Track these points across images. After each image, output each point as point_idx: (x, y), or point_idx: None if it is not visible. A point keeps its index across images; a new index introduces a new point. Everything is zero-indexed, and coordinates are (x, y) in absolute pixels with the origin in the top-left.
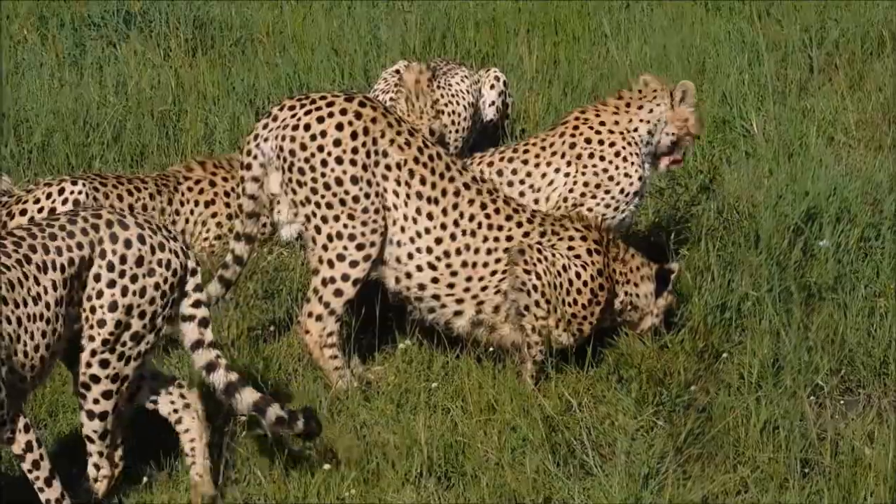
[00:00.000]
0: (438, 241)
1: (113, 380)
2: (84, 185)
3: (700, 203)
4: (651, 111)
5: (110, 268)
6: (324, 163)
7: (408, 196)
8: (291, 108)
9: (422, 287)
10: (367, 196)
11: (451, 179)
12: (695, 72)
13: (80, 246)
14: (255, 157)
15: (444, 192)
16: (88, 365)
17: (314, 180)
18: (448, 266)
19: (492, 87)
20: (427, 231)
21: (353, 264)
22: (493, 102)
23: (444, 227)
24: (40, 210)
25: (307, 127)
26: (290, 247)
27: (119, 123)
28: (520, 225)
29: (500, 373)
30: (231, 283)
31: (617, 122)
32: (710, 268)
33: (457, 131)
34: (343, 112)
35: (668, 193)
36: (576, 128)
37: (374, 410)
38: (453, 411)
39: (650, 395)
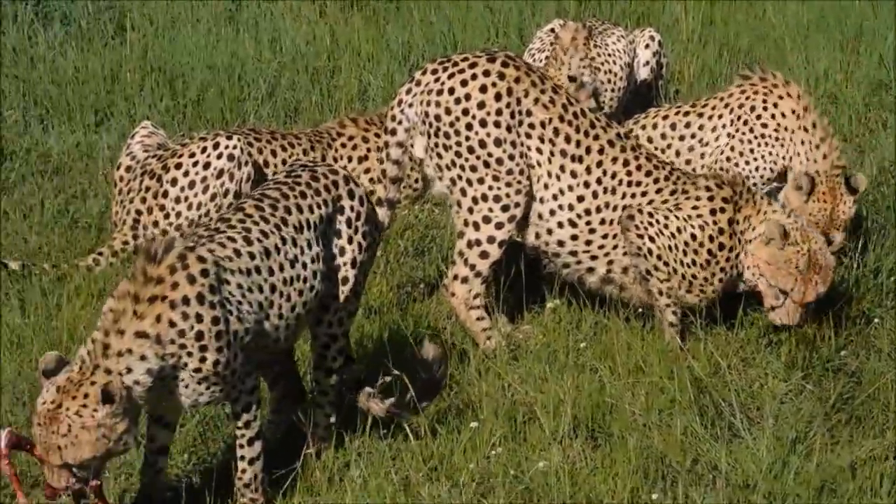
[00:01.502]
0: (581, 198)
1: (345, 335)
2: (239, 139)
3: (854, 168)
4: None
5: (349, 224)
6: (468, 126)
7: (552, 154)
8: (434, 71)
9: (560, 243)
10: (511, 157)
11: (596, 137)
12: (851, 35)
13: (325, 203)
14: (400, 123)
15: (588, 150)
16: (330, 325)
17: (459, 144)
18: (588, 224)
19: (646, 46)
20: (570, 188)
21: (499, 226)
22: (647, 62)
23: (586, 184)
24: (195, 164)
25: (451, 91)
26: (441, 205)
27: (273, 79)
28: (657, 182)
29: (649, 333)
30: None
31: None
32: (868, 233)
33: (612, 90)
34: (486, 74)
35: None
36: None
37: (522, 370)
38: (601, 371)
39: (800, 359)
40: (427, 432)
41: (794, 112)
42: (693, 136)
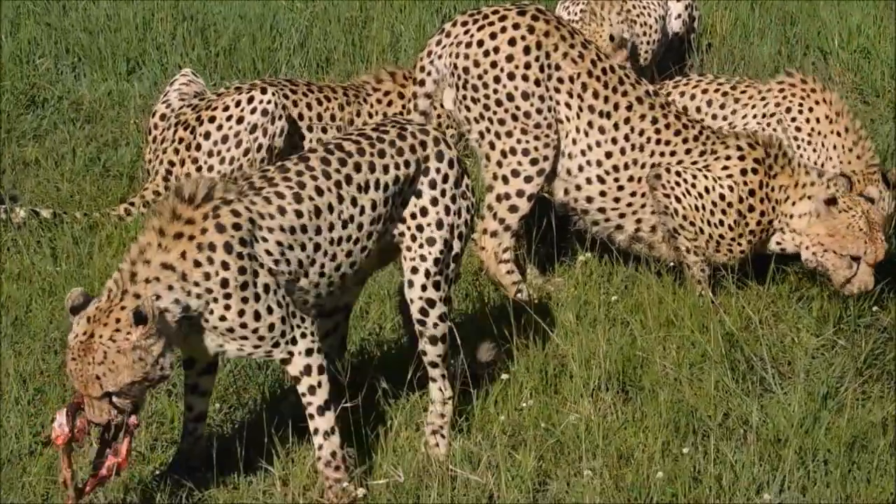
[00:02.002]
0: (608, 154)
1: (445, 301)
2: (274, 93)
3: (887, 122)
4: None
5: (432, 185)
6: (496, 79)
7: (580, 109)
8: (464, 24)
9: (589, 200)
10: (539, 111)
11: (624, 93)
12: None
13: (407, 163)
14: (429, 74)
15: (616, 106)
16: (423, 288)
17: (487, 97)
18: (616, 180)
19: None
20: (598, 144)
21: (528, 179)
22: (679, 15)
23: (614, 140)
24: (229, 118)
25: (480, 43)
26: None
27: (305, 29)
28: (686, 141)
29: (680, 287)
30: None
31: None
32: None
33: (647, 43)
34: (516, 27)
35: (854, 111)
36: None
37: (554, 322)
38: (632, 325)
39: (831, 314)
40: (458, 384)
41: (827, 117)
42: (724, 119)
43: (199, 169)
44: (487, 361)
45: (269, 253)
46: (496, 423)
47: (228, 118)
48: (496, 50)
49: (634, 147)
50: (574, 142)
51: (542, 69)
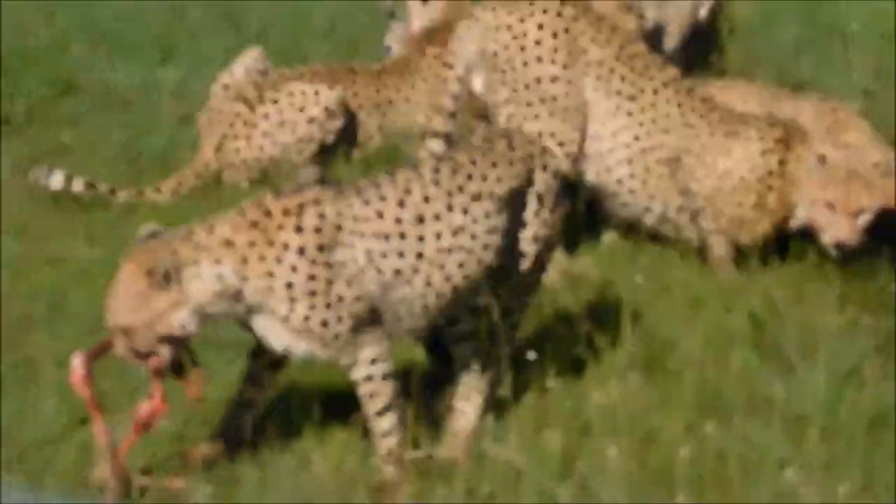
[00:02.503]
0: (637, 137)
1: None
2: (339, 91)
3: None
4: None
5: (539, 199)
6: (524, 63)
7: (607, 92)
8: (494, 8)
9: (619, 182)
10: (566, 94)
11: (651, 78)
12: None
13: (517, 175)
14: (461, 57)
15: (642, 90)
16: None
17: (515, 80)
18: (644, 163)
19: None
20: (626, 127)
21: None
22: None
23: (641, 124)
24: (291, 104)
25: (508, 27)
26: None
27: (333, 16)
28: (710, 124)
29: (706, 269)
30: None
31: None
32: None
33: (679, 25)
34: (544, 11)
35: (875, 96)
36: None
37: (580, 302)
38: (658, 306)
39: (854, 293)
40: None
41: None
42: None
43: (250, 147)
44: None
45: (354, 260)
46: (522, 405)
47: (291, 104)
48: (524, 34)
49: (661, 130)
50: (603, 125)
51: (569, 53)
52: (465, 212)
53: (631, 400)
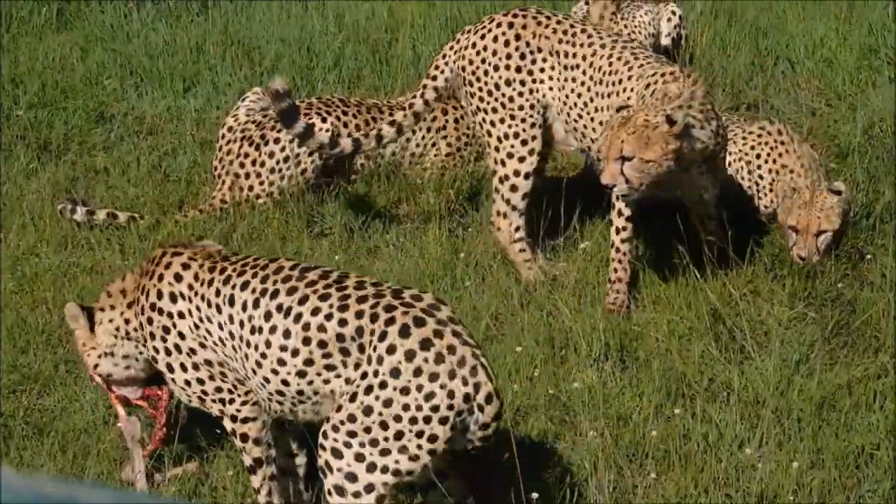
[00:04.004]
0: (591, 98)
1: None
2: (332, 122)
3: (847, 122)
4: None
5: None
6: (485, 72)
7: (559, 72)
8: (468, 31)
9: (594, 140)
10: (521, 94)
11: (590, 45)
12: (845, 5)
13: None
14: (442, 72)
15: (583, 58)
16: None
17: (480, 89)
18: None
19: (668, 20)
20: (579, 95)
21: (521, 160)
22: (668, 34)
23: (586, 86)
24: (291, 140)
25: (474, 45)
26: (481, 159)
27: (338, 50)
28: (630, 70)
29: (670, 272)
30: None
31: None
32: (858, 180)
33: None
34: (499, 25)
35: (819, 113)
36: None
37: (559, 301)
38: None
39: (801, 290)
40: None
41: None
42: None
43: (261, 183)
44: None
45: (204, 321)
46: (510, 390)
47: (291, 140)
48: (484, 48)
49: (606, 84)
50: (565, 98)
51: (521, 56)
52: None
53: (606, 386)
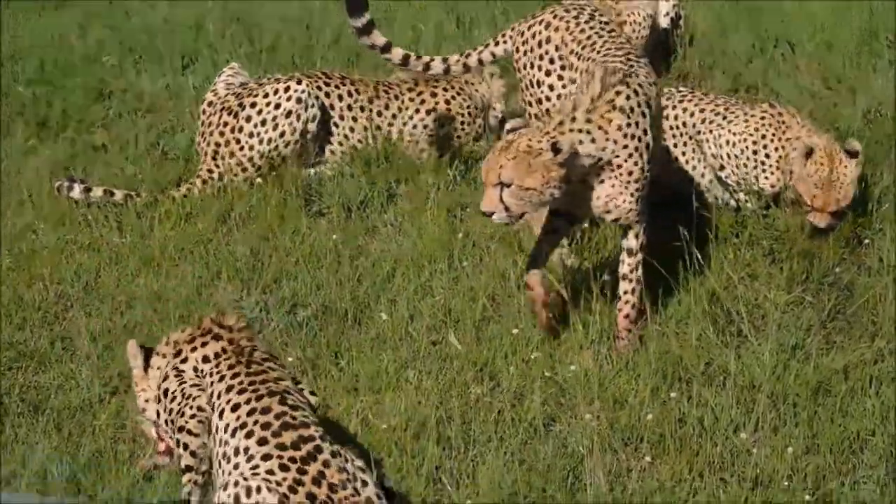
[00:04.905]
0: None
1: None
2: (308, 84)
3: (847, 105)
4: None
5: None
6: (529, 65)
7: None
8: (526, 18)
9: None
10: (552, 98)
11: (589, 44)
12: None
13: None
14: (497, 46)
15: (579, 57)
16: None
17: (522, 80)
18: None
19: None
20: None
21: None
22: (667, 13)
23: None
24: (268, 104)
25: (521, 34)
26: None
27: (338, 28)
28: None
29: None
30: None
31: None
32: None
33: (636, 38)
34: (541, 22)
35: (819, 96)
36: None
37: (555, 283)
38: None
39: (799, 274)
40: (474, 338)
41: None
42: (710, 132)
43: (241, 148)
44: None
45: None
46: (506, 373)
47: (267, 104)
48: (525, 42)
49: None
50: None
51: (551, 61)
52: None
53: (602, 369)
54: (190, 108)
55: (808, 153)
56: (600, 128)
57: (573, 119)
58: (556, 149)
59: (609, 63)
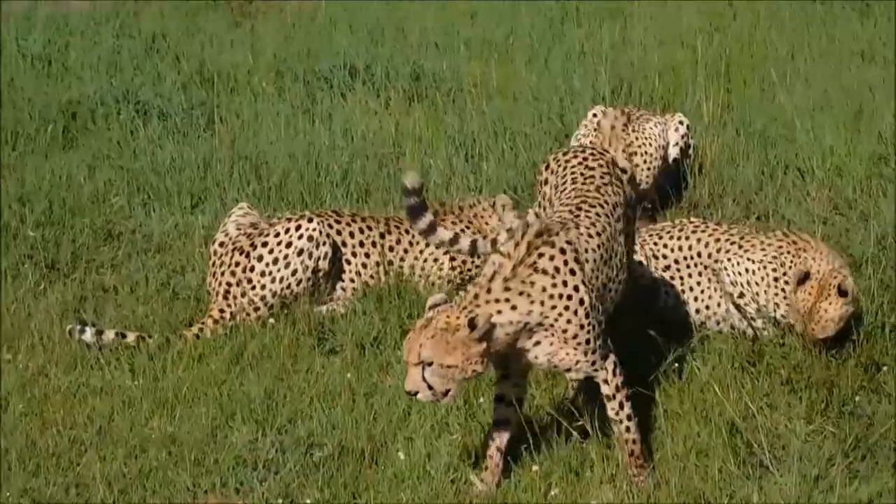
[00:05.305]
0: None
1: None
2: (319, 222)
3: (858, 231)
4: None
5: None
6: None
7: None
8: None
9: None
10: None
11: (561, 190)
12: (852, 115)
13: None
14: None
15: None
16: None
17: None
18: None
19: (676, 130)
20: None
21: None
22: (677, 143)
23: None
24: (279, 243)
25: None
26: None
27: (346, 165)
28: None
29: (684, 385)
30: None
31: None
32: (872, 290)
33: (648, 170)
34: (544, 162)
35: (831, 222)
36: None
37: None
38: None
39: (819, 403)
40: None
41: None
42: (728, 260)
43: (253, 288)
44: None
45: None
46: None
47: (279, 243)
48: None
49: None
50: None
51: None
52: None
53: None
54: (200, 248)
55: (803, 279)
56: (521, 293)
57: (489, 290)
58: (472, 325)
59: (555, 215)
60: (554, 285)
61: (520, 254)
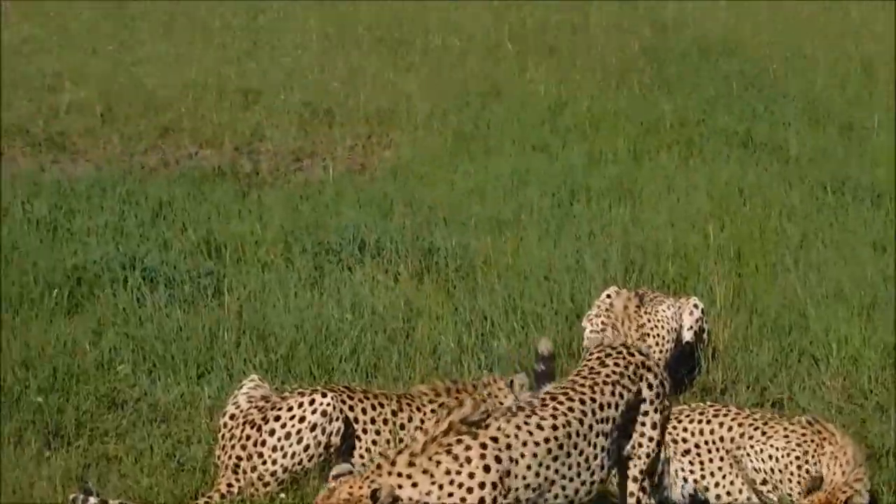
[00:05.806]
0: None
1: None
2: (333, 397)
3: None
4: None
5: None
6: None
7: None
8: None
9: None
10: None
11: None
12: (867, 303)
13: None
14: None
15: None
16: None
17: None
18: None
19: (691, 313)
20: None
21: None
22: (691, 327)
23: None
24: (292, 417)
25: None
26: None
27: (356, 339)
28: None
29: None
30: None
31: None
32: (893, 484)
33: (660, 352)
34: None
35: (847, 412)
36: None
37: None
38: None
39: None
40: None
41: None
42: (751, 447)
43: (264, 462)
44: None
45: None
46: None
47: (291, 417)
48: None
49: None
50: None
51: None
52: None
53: None
54: (206, 419)
55: (814, 487)
56: (425, 471)
57: (393, 463)
58: (374, 497)
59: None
60: (458, 472)
61: (436, 431)
